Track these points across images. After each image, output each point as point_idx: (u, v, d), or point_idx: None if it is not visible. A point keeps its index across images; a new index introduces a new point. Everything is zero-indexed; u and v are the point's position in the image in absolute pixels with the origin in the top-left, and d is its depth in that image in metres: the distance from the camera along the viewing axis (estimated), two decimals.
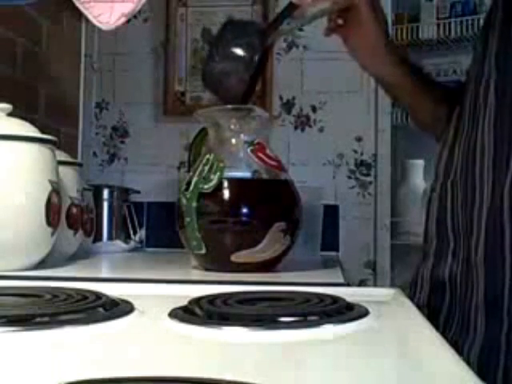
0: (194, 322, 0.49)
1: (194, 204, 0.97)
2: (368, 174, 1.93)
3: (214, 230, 0.99)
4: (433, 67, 2.00)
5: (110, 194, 1.57)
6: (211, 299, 0.56)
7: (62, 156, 1.14)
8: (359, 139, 1.94)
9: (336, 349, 0.45)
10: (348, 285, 0.91)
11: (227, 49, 0.93)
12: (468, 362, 0.39)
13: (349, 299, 0.57)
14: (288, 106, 1.96)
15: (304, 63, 1.96)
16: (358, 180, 1.93)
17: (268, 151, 1.03)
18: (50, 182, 0.97)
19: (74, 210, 1.15)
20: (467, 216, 0.72)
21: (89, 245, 1.33)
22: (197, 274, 1.01)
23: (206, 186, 0.97)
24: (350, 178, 1.93)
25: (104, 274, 1.21)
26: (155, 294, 0.68)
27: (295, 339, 0.47)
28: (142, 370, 0.36)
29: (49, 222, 0.97)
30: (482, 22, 1.89)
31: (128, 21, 0.96)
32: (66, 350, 0.44)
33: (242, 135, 1.02)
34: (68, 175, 1.15)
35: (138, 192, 1.74)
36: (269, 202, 1.00)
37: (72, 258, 1.16)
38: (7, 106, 0.99)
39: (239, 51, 0.93)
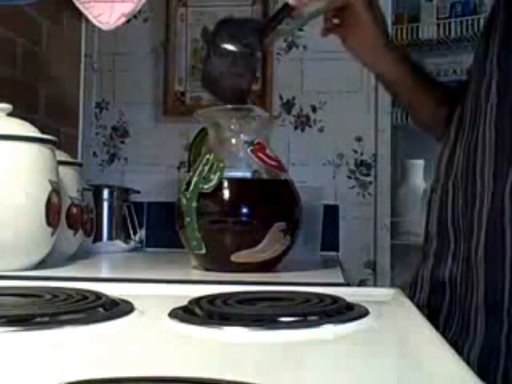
0: (193, 322, 0.49)
1: (194, 204, 0.97)
2: (368, 174, 1.93)
3: (214, 230, 0.99)
4: (433, 67, 2.00)
5: (110, 194, 1.57)
6: (211, 299, 0.56)
7: (62, 156, 1.14)
8: (359, 139, 1.94)
9: (336, 349, 0.45)
10: (348, 285, 0.91)
11: (224, 49, 0.93)
12: (468, 363, 0.39)
13: (349, 299, 0.57)
14: (288, 106, 1.96)
15: (304, 63, 1.96)
16: (358, 180, 1.93)
17: (268, 151, 1.03)
18: (50, 181, 0.97)
19: (74, 210, 1.15)
20: (468, 216, 0.72)
21: (89, 245, 1.33)
22: (197, 274, 1.01)
23: (206, 186, 0.97)
24: (350, 178, 1.93)
25: (104, 274, 1.21)
26: (155, 294, 0.68)
27: (295, 339, 0.47)
28: (142, 370, 0.36)
29: (49, 222, 0.97)
30: (482, 22, 1.89)
31: (128, 21, 0.96)
32: (66, 350, 0.44)
33: (241, 135, 1.02)
34: (68, 175, 1.15)
35: (138, 192, 1.74)
36: (269, 202, 1.00)
37: (72, 258, 1.16)
38: (7, 106, 0.99)
39: (237, 51, 0.93)
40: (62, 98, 1.83)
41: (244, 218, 0.98)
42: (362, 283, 1.88)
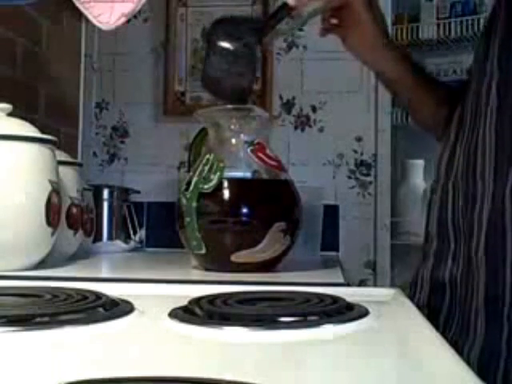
0: (193, 322, 0.49)
1: (194, 204, 0.97)
2: (368, 174, 1.93)
3: (214, 230, 0.99)
4: (433, 67, 2.00)
5: (110, 194, 1.57)
6: (211, 299, 0.56)
7: (62, 156, 1.14)
8: (359, 139, 1.94)
9: (336, 349, 0.45)
10: (348, 285, 0.91)
11: (222, 48, 0.93)
12: (468, 364, 0.39)
13: (349, 299, 0.57)
14: (288, 106, 1.96)
15: (304, 63, 1.96)
16: (358, 180, 1.93)
17: (268, 151, 1.03)
18: (50, 182, 0.97)
19: (74, 210, 1.15)
20: (468, 217, 0.71)
21: (89, 245, 1.33)
22: (197, 274, 1.01)
23: (206, 186, 0.97)
24: (350, 178, 1.93)
25: (104, 274, 1.21)
26: (155, 294, 0.68)
27: (295, 339, 0.47)
28: (142, 370, 0.36)
29: (49, 222, 0.97)
30: (482, 22, 1.89)
31: (128, 21, 0.96)
32: (66, 350, 0.44)
33: (241, 135, 1.02)
34: (68, 175, 1.15)
35: (138, 192, 1.74)
36: (269, 202, 1.00)
37: (72, 258, 1.16)
38: (7, 106, 0.99)
39: (235, 50, 0.93)
40: (62, 98, 1.83)
41: (244, 218, 0.98)
42: (362, 283, 1.88)
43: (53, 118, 1.70)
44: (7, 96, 1.11)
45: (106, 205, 1.55)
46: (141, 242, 1.67)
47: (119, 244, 1.56)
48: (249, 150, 1.01)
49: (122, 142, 2.01)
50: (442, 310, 0.75)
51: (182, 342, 0.47)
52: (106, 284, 0.69)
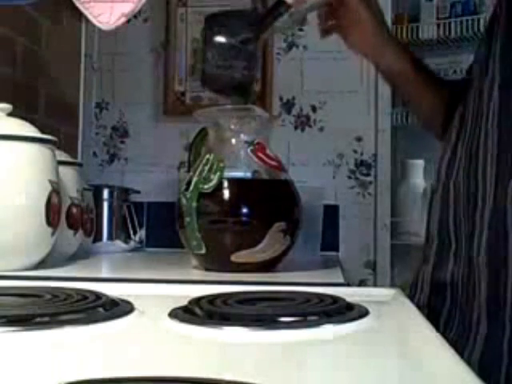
0: (193, 322, 0.49)
1: (194, 204, 0.97)
2: (368, 174, 1.93)
3: (214, 230, 0.99)
4: (433, 67, 1.99)
5: (110, 194, 1.57)
6: (211, 299, 0.56)
7: (62, 156, 1.14)
8: (359, 139, 1.94)
9: (336, 349, 0.45)
10: (348, 285, 0.91)
11: (218, 43, 0.93)
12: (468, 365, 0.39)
13: (349, 299, 0.57)
14: (288, 106, 1.96)
15: (304, 63, 1.96)
16: (358, 180, 1.93)
17: (268, 151, 1.03)
18: (50, 182, 0.97)
19: (74, 210, 1.15)
20: (469, 216, 0.71)
21: (89, 245, 1.33)
22: (197, 274, 1.01)
23: (205, 186, 0.97)
24: (350, 178, 1.93)
25: (104, 274, 1.21)
26: (155, 294, 0.68)
27: (295, 339, 0.47)
28: (142, 370, 0.36)
29: (49, 222, 0.97)
30: (482, 22, 1.90)
31: (128, 21, 0.96)
32: (66, 350, 0.44)
33: (242, 135, 1.02)
34: (68, 175, 1.15)
35: (138, 192, 1.74)
36: (269, 202, 1.00)
37: (72, 258, 1.16)
38: (7, 106, 0.99)
39: (231, 44, 0.93)
40: (62, 98, 1.83)
41: (244, 218, 0.98)
42: (361, 283, 1.88)
43: (53, 118, 1.70)
44: (7, 96, 1.11)
45: (106, 205, 1.55)
46: (141, 242, 1.67)
47: (119, 244, 1.56)
48: (249, 150, 1.01)
49: (122, 142, 2.01)
50: (442, 311, 0.74)
51: (181, 342, 0.47)
52: (106, 284, 0.69)
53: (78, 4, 0.93)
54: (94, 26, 0.95)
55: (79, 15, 1.38)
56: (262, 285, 0.76)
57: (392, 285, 1.77)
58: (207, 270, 1.01)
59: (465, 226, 0.72)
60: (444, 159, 0.80)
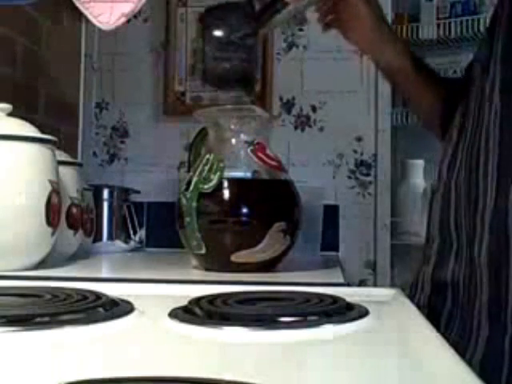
0: (193, 322, 0.49)
1: (194, 204, 0.97)
2: (368, 174, 1.93)
3: (214, 230, 0.99)
4: (433, 67, 2.00)
5: (110, 194, 1.57)
6: (211, 299, 0.56)
7: (62, 156, 1.14)
8: (359, 139, 1.94)
9: (336, 349, 0.45)
10: (348, 285, 0.91)
11: (216, 37, 0.93)
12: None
13: (349, 299, 0.57)
14: (288, 105, 1.96)
15: (304, 63, 1.96)
16: (358, 180, 1.93)
17: (268, 151, 1.03)
18: (50, 181, 0.97)
19: (74, 210, 1.15)
20: (471, 217, 0.71)
21: (89, 245, 1.33)
22: (197, 274, 1.01)
23: (205, 186, 0.97)
24: (350, 178, 1.93)
25: (104, 274, 1.21)
26: (155, 294, 0.68)
27: (295, 339, 0.47)
28: (142, 370, 0.36)
29: (49, 222, 0.97)
30: (482, 22, 1.90)
31: (128, 21, 0.96)
32: (66, 350, 0.44)
33: (242, 135, 1.02)
34: (68, 175, 1.15)
35: (138, 192, 1.74)
36: (269, 202, 1.00)
37: (72, 258, 1.16)
38: (7, 106, 0.99)
39: (231, 38, 0.93)
40: (62, 98, 1.83)
41: (244, 218, 0.98)
42: (362, 283, 1.88)
43: (53, 118, 1.70)
44: (7, 96, 1.11)
45: (105, 205, 1.55)
46: (141, 242, 1.67)
47: (119, 244, 1.56)
48: (249, 150, 1.01)
49: (122, 142, 2.01)
50: (443, 312, 0.74)
51: (181, 342, 0.47)
52: (106, 284, 0.69)
53: (78, 4, 0.93)
54: (93, 25, 0.95)
55: (79, 15, 1.38)
56: (262, 285, 0.76)
57: (392, 285, 1.77)
58: (207, 270, 1.01)
59: (466, 226, 0.72)
60: (445, 159, 0.80)
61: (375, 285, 1.86)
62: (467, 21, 1.94)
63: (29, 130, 0.99)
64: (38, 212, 0.95)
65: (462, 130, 0.77)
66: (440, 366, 0.39)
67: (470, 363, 0.64)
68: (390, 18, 1.82)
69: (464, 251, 0.72)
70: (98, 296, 0.56)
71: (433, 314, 0.74)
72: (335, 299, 0.56)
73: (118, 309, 0.54)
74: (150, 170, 1.96)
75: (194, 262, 1.05)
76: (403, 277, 1.81)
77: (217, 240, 0.98)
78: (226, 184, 0.98)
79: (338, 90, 1.93)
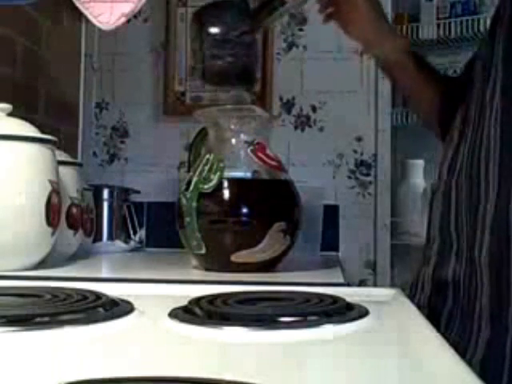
0: (193, 322, 0.49)
1: (194, 204, 0.97)
2: (368, 174, 1.93)
3: (214, 230, 0.99)
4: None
5: (110, 193, 1.57)
6: (211, 299, 0.56)
7: (62, 156, 1.14)
8: (359, 139, 1.94)
9: (336, 349, 0.45)
10: (348, 285, 0.91)
11: (214, 35, 0.93)
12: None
13: (349, 299, 0.57)
14: (288, 105, 1.96)
15: (304, 63, 1.96)
16: (358, 180, 1.93)
17: (268, 151, 1.03)
18: (50, 181, 0.97)
19: (74, 210, 1.15)
20: (471, 217, 0.71)
21: (89, 245, 1.33)
22: (197, 274, 1.01)
23: (205, 186, 0.97)
24: (350, 177, 1.93)
25: (104, 274, 1.21)
26: (155, 294, 0.68)
27: (295, 339, 0.47)
28: (142, 370, 0.36)
29: (49, 222, 0.96)
30: (482, 21, 1.89)
31: (128, 21, 0.96)
32: (66, 350, 0.44)
33: (242, 135, 1.02)
34: (68, 175, 1.15)
35: (138, 192, 1.74)
36: (269, 202, 1.00)
37: (72, 258, 1.16)
38: (7, 106, 0.99)
39: (229, 35, 0.92)
40: (62, 98, 1.83)
41: (244, 218, 0.98)
42: (362, 283, 1.88)
43: (53, 118, 1.70)
44: (7, 96, 1.11)
45: (105, 205, 1.55)
46: (141, 242, 1.67)
47: (119, 244, 1.56)
48: (249, 150, 1.01)
49: (122, 142, 2.01)
50: (443, 312, 0.74)
51: (181, 342, 0.47)
52: (106, 284, 0.69)
53: (78, 4, 0.93)
54: (93, 25, 0.95)
55: (79, 15, 1.38)
56: (262, 285, 0.76)
57: (392, 285, 1.77)
58: (207, 269, 1.01)
59: (466, 226, 0.72)
60: (445, 161, 0.79)
61: (375, 285, 1.86)
62: (467, 21, 1.94)
63: (29, 129, 0.99)
64: (38, 212, 0.95)
65: (463, 131, 0.77)
66: (440, 366, 0.39)
67: (470, 363, 0.64)
68: (390, 17, 1.82)
69: (464, 252, 0.72)
70: (98, 296, 0.56)
71: (433, 314, 0.74)
72: (335, 299, 0.56)
73: (117, 309, 0.54)
74: (150, 170, 1.96)
75: (194, 262, 1.05)
76: (403, 277, 1.81)
77: (217, 240, 0.98)
78: (226, 184, 0.98)
79: (337, 90, 1.93)
